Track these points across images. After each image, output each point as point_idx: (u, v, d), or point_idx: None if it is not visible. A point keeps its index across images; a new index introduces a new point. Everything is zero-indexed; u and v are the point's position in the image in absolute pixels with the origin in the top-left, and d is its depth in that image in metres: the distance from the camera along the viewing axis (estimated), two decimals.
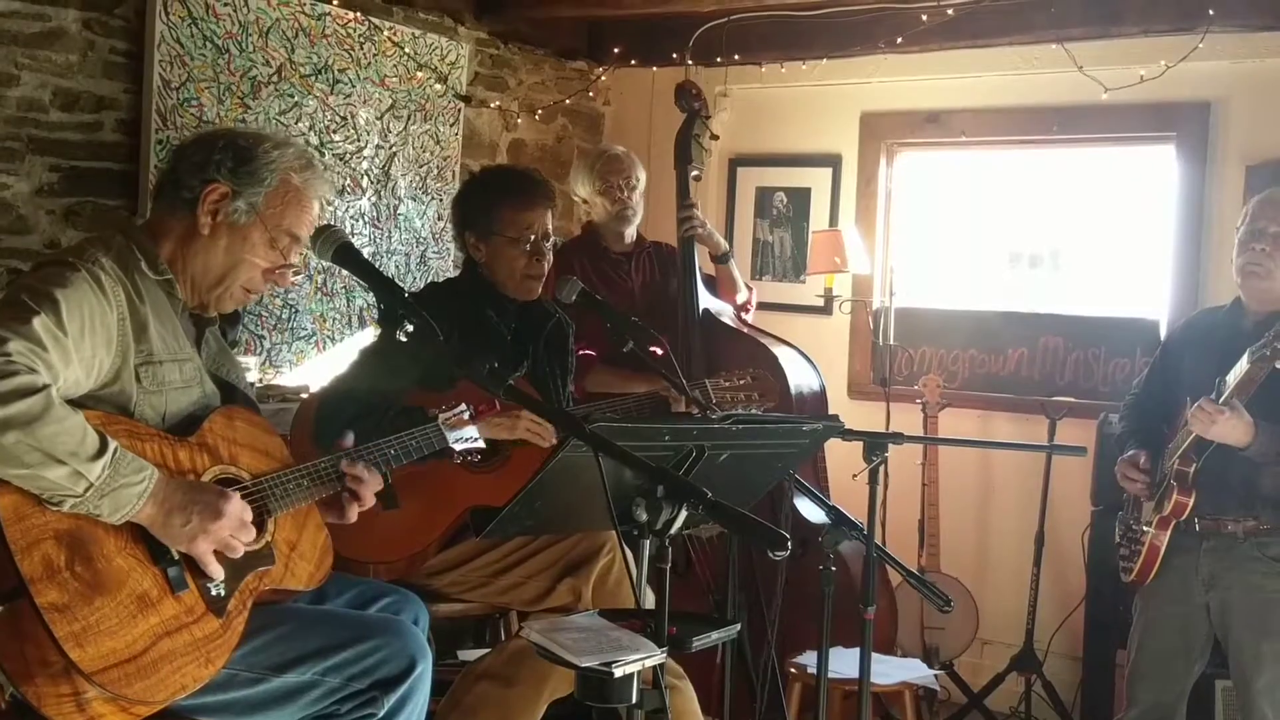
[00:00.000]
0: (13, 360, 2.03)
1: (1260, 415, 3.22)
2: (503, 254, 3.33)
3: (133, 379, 2.27)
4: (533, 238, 3.31)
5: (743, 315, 4.45)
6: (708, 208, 5.45)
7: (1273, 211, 3.38)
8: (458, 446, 2.77)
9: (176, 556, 2.21)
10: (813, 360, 4.41)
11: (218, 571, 2.26)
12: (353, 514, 2.56)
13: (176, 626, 2.20)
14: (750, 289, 4.51)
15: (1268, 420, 3.23)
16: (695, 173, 4.34)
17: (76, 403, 2.16)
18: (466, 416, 2.77)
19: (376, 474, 2.57)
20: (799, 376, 4.28)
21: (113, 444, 2.10)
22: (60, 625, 2.05)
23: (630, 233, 4.31)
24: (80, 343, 2.16)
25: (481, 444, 2.81)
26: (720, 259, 4.39)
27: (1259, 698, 3.35)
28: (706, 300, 4.33)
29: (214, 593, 2.27)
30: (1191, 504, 3.35)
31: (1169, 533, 3.40)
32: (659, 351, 3.50)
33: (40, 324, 2.09)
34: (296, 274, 2.59)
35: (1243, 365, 3.19)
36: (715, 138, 4.51)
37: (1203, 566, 3.40)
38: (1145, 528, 3.45)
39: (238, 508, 2.26)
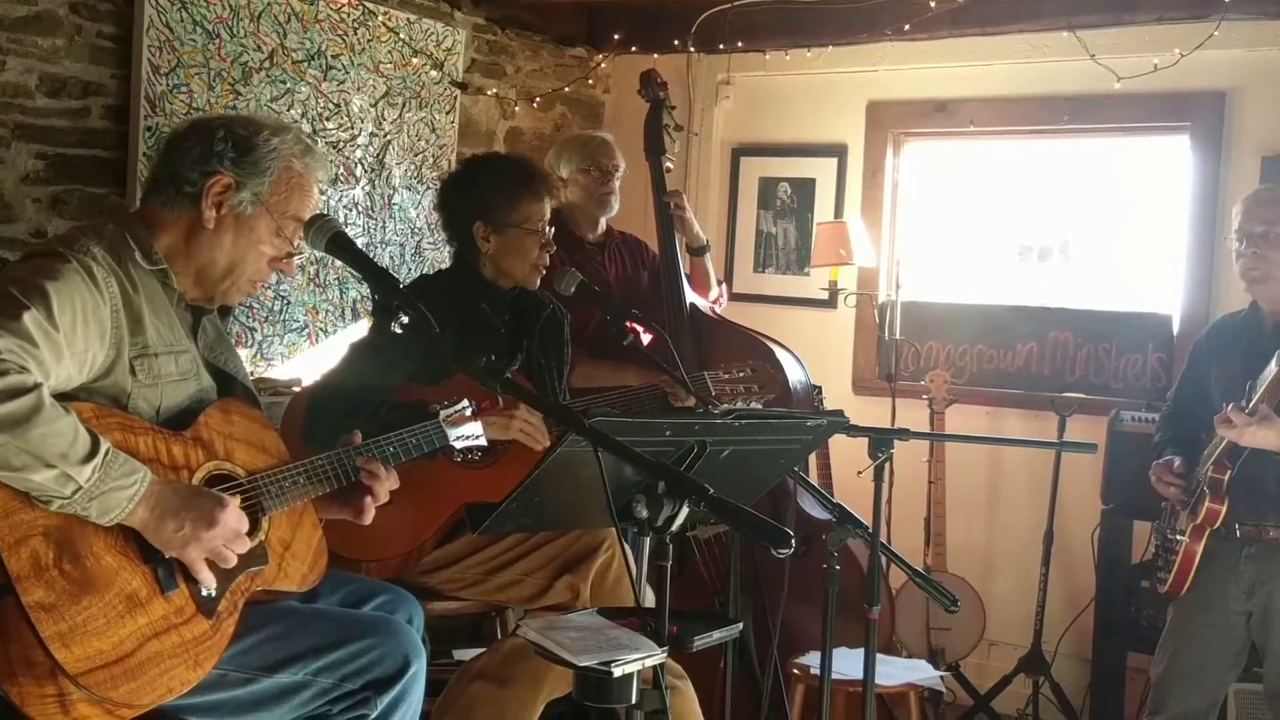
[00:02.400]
0: (2, 359, 2.02)
1: None
2: (518, 245, 3.35)
3: (127, 372, 2.26)
4: (549, 228, 3.37)
5: (715, 310, 4.46)
6: (710, 198, 5.46)
7: (1257, 211, 3.43)
8: (459, 444, 2.76)
9: (167, 556, 2.21)
10: (801, 361, 4.41)
11: (209, 579, 2.25)
12: (369, 514, 2.55)
13: (165, 627, 2.20)
14: (722, 285, 4.53)
15: None
16: (668, 164, 4.34)
17: (69, 395, 2.16)
18: (469, 413, 2.76)
19: (392, 471, 2.57)
20: (792, 373, 4.28)
21: (104, 445, 2.09)
22: (46, 624, 2.05)
23: (605, 220, 4.33)
24: (72, 337, 2.15)
25: (484, 441, 2.81)
26: (696, 251, 4.41)
27: None
28: (692, 295, 4.34)
29: (204, 593, 2.27)
30: (1224, 511, 3.34)
31: (1204, 541, 3.39)
32: (651, 339, 3.50)
33: (30, 319, 2.08)
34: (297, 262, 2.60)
35: (1271, 369, 3.21)
36: (680, 128, 4.52)
37: (1244, 574, 3.40)
38: (1180, 536, 3.44)
39: (234, 517, 2.25)
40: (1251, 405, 3.22)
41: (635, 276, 4.34)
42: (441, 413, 2.72)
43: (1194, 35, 4.34)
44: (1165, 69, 4.40)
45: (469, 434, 2.76)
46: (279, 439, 2.54)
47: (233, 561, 2.27)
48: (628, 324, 3.25)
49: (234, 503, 2.27)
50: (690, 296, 4.31)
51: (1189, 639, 3.50)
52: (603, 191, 4.25)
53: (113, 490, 2.09)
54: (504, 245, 3.36)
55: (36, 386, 2.03)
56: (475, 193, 3.42)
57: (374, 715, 2.40)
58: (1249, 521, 3.36)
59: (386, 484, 2.56)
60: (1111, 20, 4.54)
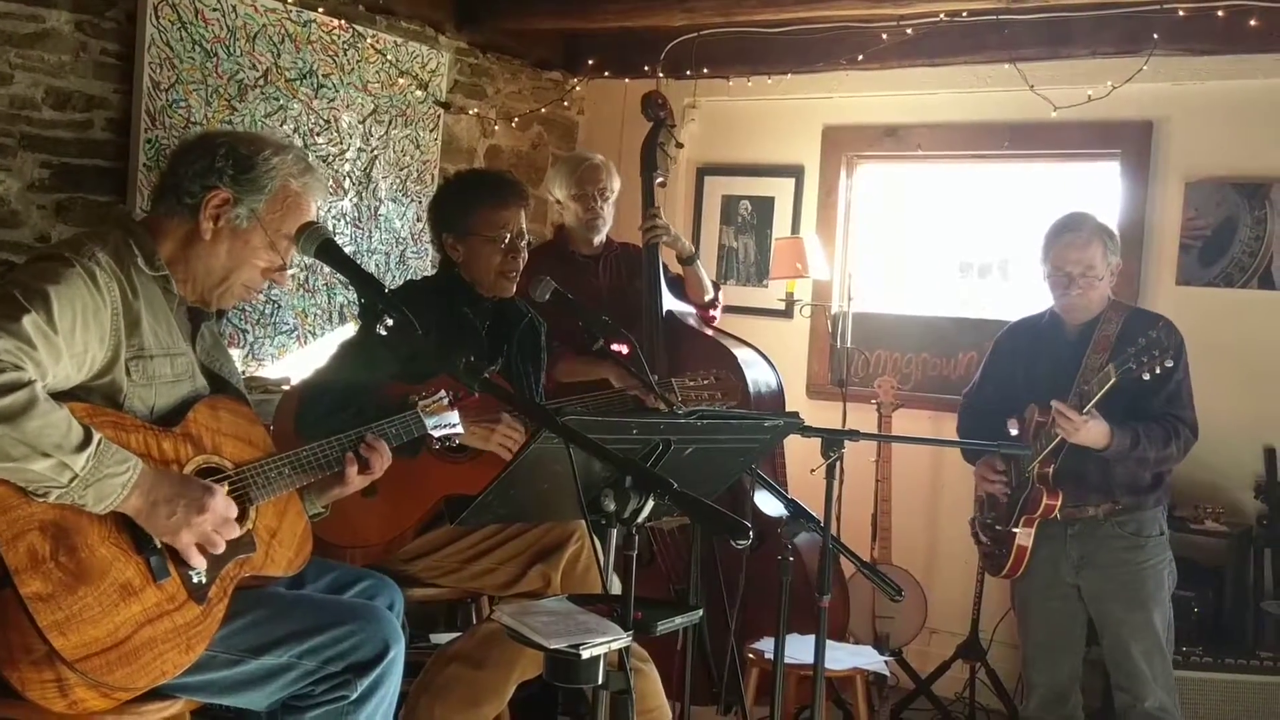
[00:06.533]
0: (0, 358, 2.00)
1: (1104, 415, 3.37)
2: (479, 252, 3.31)
3: (123, 372, 2.23)
4: (508, 236, 3.31)
5: (711, 314, 4.43)
6: (676, 214, 5.44)
7: (1069, 254, 3.55)
8: (436, 433, 2.73)
9: (159, 545, 2.18)
10: (772, 361, 4.40)
11: (200, 563, 2.23)
12: (351, 474, 2.56)
13: (158, 614, 2.17)
14: (718, 287, 4.50)
15: (1111, 421, 3.37)
16: (660, 180, 4.32)
17: (67, 394, 2.13)
18: (445, 403, 2.73)
19: (387, 450, 2.59)
20: (758, 377, 4.27)
21: (97, 436, 2.07)
22: (44, 614, 2.02)
23: (599, 239, 4.29)
24: (71, 339, 2.13)
25: (461, 430, 2.78)
26: (686, 261, 4.37)
27: (1138, 662, 3.50)
28: (671, 302, 4.31)
29: (195, 580, 2.24)
30: (1059, 504, 3.52)
31: (1034, 530, 3.57)
32: (625, 350, 3.48)
33: (30, 322, 2.05)
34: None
35: (1109, 375, 3.32)
36: (680, 146, 4.51)
37: (1071, 551, 3.58)
38: (1014, 529, 3.59)
39: (223, 504, 2.23)
40: (1088, 407, 3.36)
41: (628, 286, 4.29)
42: (419, 403, 2.70)
43: (1125, 69, 4.37)
44: (1098, 99, 4.42)
45: (446, 423, 2.73)
46: (265, 433, 2.51)
47: (222, 547, 2.24)
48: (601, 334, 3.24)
49: (222, 490, 2.24)
50: (669, 303, 4.29)
51: (1039, 619, 3.68)
52: (588, 216, 4.21)
53: (107, 477, 2.07)
54: (469, 253, 3.33)
55: (31, 383, 2.01)
56: (442, 205, 3.42)
57: (354, 696, 2.38)
58: (1070, 505, 3.53)
59: (382, 458, 2.58)
60: (1049, 54, 4.56)
